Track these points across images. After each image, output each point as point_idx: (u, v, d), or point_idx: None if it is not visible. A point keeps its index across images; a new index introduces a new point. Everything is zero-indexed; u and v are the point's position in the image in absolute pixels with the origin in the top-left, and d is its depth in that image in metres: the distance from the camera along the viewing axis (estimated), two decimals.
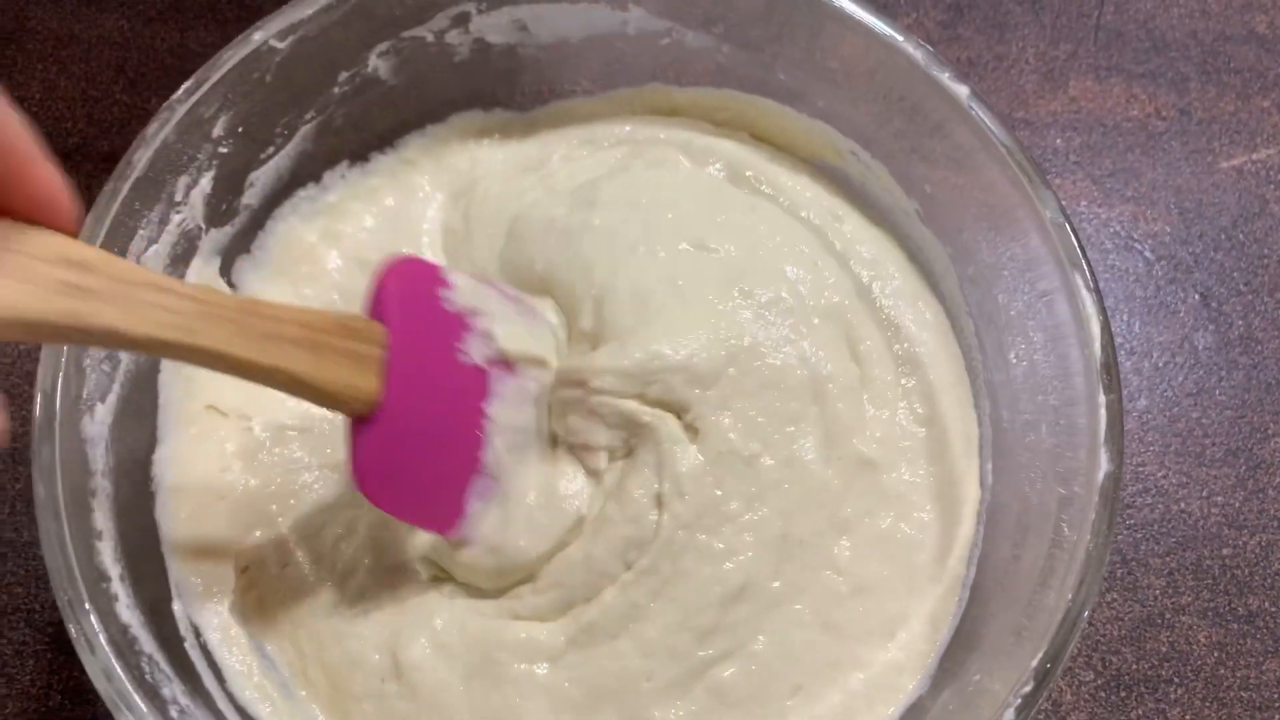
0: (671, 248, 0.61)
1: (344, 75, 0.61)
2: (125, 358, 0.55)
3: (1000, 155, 0.55)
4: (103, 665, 0.46)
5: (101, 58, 0.77)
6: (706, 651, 0.55)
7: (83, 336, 0.39)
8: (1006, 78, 0.80)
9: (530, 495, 0.56)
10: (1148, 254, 0.75)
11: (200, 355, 0.43)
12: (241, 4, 0.79)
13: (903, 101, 0.59)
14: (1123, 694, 0.65)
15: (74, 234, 0.39)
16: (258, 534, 0.58)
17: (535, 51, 0.64)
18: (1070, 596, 0.48)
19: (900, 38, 0.57)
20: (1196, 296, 0.74)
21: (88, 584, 0.47)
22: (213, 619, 0.55)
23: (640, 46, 0.64)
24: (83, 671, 0.62)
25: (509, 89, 0.67)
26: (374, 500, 0.51)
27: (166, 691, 0.48)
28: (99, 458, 0.52)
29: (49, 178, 0.36)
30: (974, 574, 0.58)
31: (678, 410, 0.57)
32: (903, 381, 0.62)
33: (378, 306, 0.52)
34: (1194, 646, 0.66)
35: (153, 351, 0.42)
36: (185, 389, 0.59)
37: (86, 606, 0.46)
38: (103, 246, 0.51)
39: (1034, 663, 0.47)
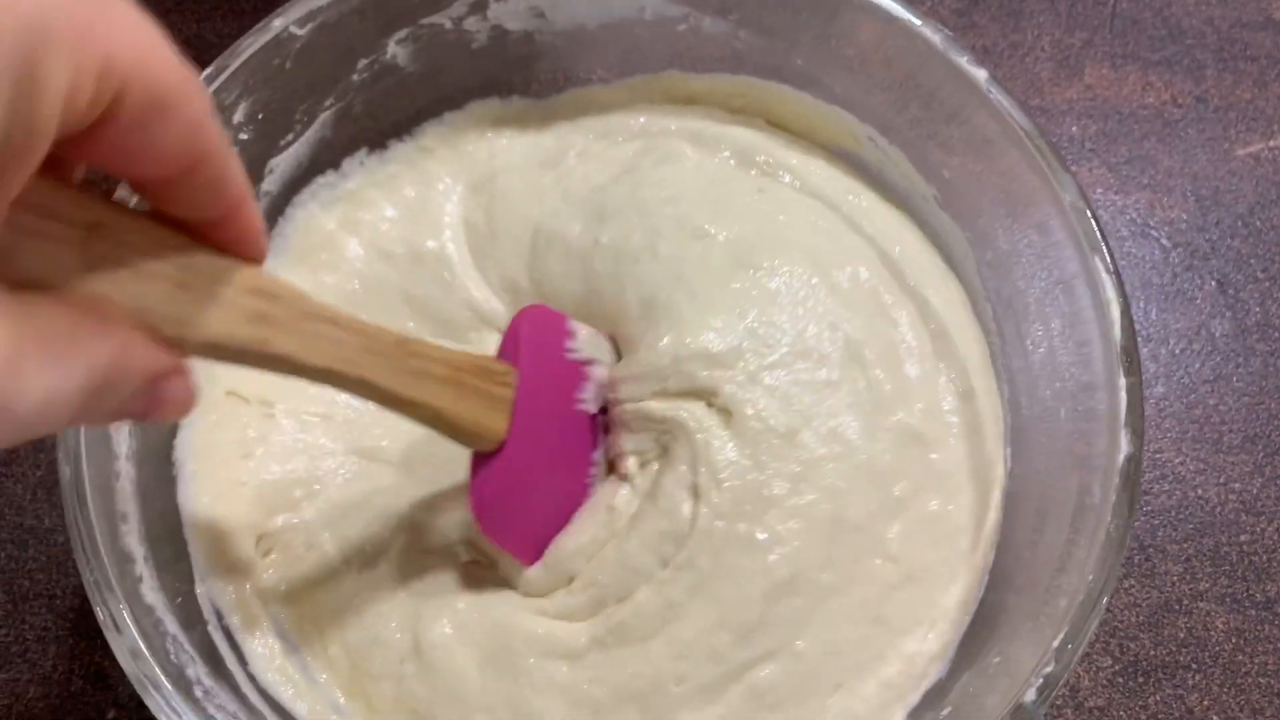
0: (673, 242, 0.60)
1: (363, 62, 0.61)
2: None
3: (1019, 140, 0.55)
4: (129, 645, 0.46)
5: None
6: (747, 653, 0.53)
7: (259, 361, 0.41)
8: (1022, 65, 0.79)
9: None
10: (1164, 241, 0.75)
11: (358, 385, 0.45)
12: None
13: (920, 87, 0.59)
14: (1140, 680, 0.65)
15: (262, 265, 0.41)
16: (281, 518, 0.58)
17: (552, 38, 0.65)
18: (1091, 578, 0.48)
19: (919, 21, 0.57)
20: (1213, 283, 0.74)
21: (113, 566, 0.47)
22: (235, 602, 0.55)
23: (657, 32, 0.64)
24: (104, 656, 0.63)
25: (526, 76, 0.67)
26: (484, 527, 0.53)
27: (191, 672, 0.48)
28: (122, 441, 0.52)
29: (254, 217, 0.39)
30: (993, 558, 0.58)
31: (706, 397, 0.56)
32: (939, 357, 0.60)
33: (511, 350, 0.55)
34: (1212, 633, 0.66)
35: (317, 379, 0.44)
36: (205, 376, 0.58)
37: (113, 587, 0.46)
38: None
39: (1055, 643, 0.47)
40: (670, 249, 0.60)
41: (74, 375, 0.32)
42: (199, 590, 0.54)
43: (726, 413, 0.56)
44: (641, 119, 0.67)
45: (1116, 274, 0.52)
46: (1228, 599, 0.66)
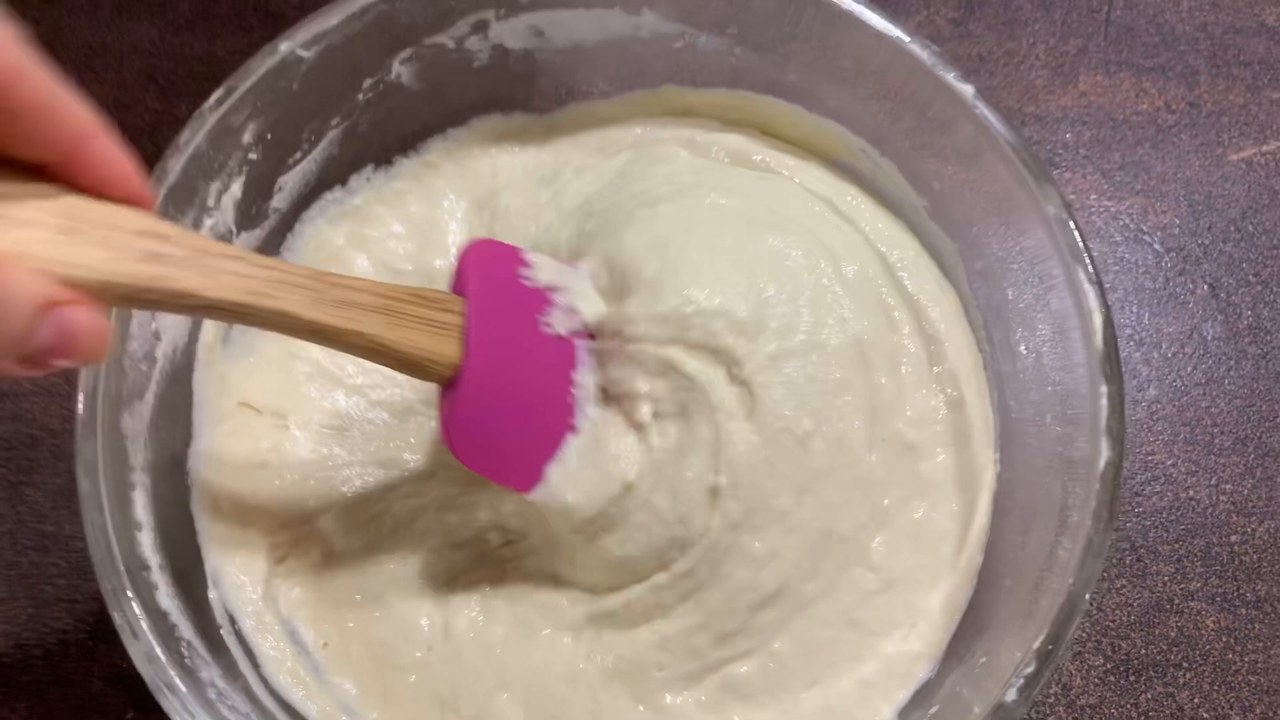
0: (674, 203, 0.60)
1: (368, 82, 0.63)
2: (161, 358, 0.57)
3: (1005, 153, 0.56)
4: (145, 650, 0.48)
5: (133, 66, 0.79)
6: (724, 652, 0.56)
7: (163, 299, 0.42)
8: (1017, 73, 0.81)
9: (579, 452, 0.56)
10: (1157, 246, 0.76)
11: (276, 319, 0.45)
12: (267, 11, 0.81)
13: (910, 101, 0.60)
14: (1132, 678, 0.66)
15: (150, 209, 0.42)
16: (296, 526, 0.60)
17: (552, 56, 0.66)
18: (1071, 580, 0.49)
19: (907, 38, 0.59)
20: (1205, 287, 0.75)
21: (130, 573, 0.49)
22: (247, 607, 0.57)
23: (654, 49, 0.66)
24: (122, 659, 0.64)
25: (527, 92, 0.69)
26: (460, 456, 0.53)
27: (204, 675, 0.50)
28: (138, 453, 0.54)
29: (113, 154, 0.40)
30: (983, 560, 0.59)
31: (726, 361, 0.56)
32: (933, 363, 0.61)
33: (458, 281, 0.55)
34: (1203, 632, 0.67)
35: (229, 316, 0.44)
36: (219, 387, 0.61)
37: (129, 594, 0.48)
38: None
39: (1036, 644, 0.49)
40: (672, 208, 0.60)
41: None
42: (212, 596, 0.56)
43: (748, 393, 0.55)
44: (638, 129, 0.69)
45: (1098, 283, 0.54)
46: (1218, 598, 0.68)
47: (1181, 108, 0.80)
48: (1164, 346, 0.74)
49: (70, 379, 0.52)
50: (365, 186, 0.67)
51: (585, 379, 0.56)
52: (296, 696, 0.56)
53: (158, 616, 0.49)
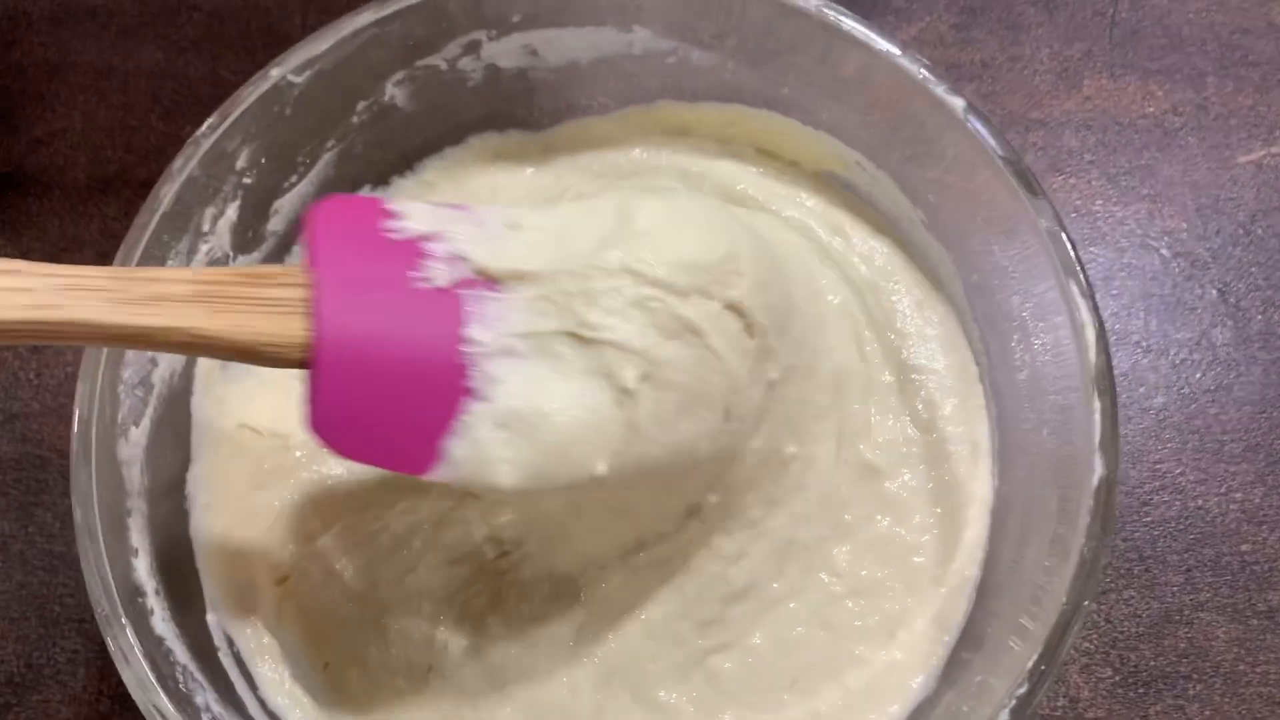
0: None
1: (362, 105, 0.63)
2: (158, 383, 0.57)
3: (996, 166, 0.56)
4: (137, 676, 0.48)
5: (138, 88, 0.80)
6: (705, 641, 0.58)
7: None
8: (1020, 78, 0.80)
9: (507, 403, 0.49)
10: (1164, 251, 0.75)
11: (71, 331, 0.42)
12: (271, 32, 0.81)
13: (904, 114, 0.60)
14: (1141, 690, 0.65)
15: None
16: (296, 547, 0.60)
17: (546, 74, 0.66)
18: (1064, 600, 0.49)
19: (898, 51, 0.58)
20: (1214, 292, 0.74)
21: (124, 600, 0.50)
22: (245, 629, 0.58)
23: (648, 66, 0.66)
24: None
25: (524, 109, 0.69)
26: (333, 447, 0.48)
27: (200, 699, 0.51)
28: (134, 479, 0.54)
29: None
30: (980, 576, 0.59)
31: (737, 309, 0.52)
32: (905, 388, 0.63)
33: (306, 250, 0.49)
34: (1213, 643, 0.66)
35: (23, 338, 0.42)
36: (217, 409, 0.61)
37: (123, 622, 0.49)
38: None
39: (1029, 664, 0.48)
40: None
41: None
42: (210, 619, 0.57)
43: (759, 334, 0.53)
44: (636, 151, 0.69)
45: (1091, 297, 0.53)
46: (1229, 609, 0.67)
47: (1188, 110, 0.79)
48: (1172, 353, 0.73)
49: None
50: None
51: (484, 335, 0.49)
52: (294, 718, 0.56)
53: (152, 642, 0.50)
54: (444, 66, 0.64)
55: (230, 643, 0.57)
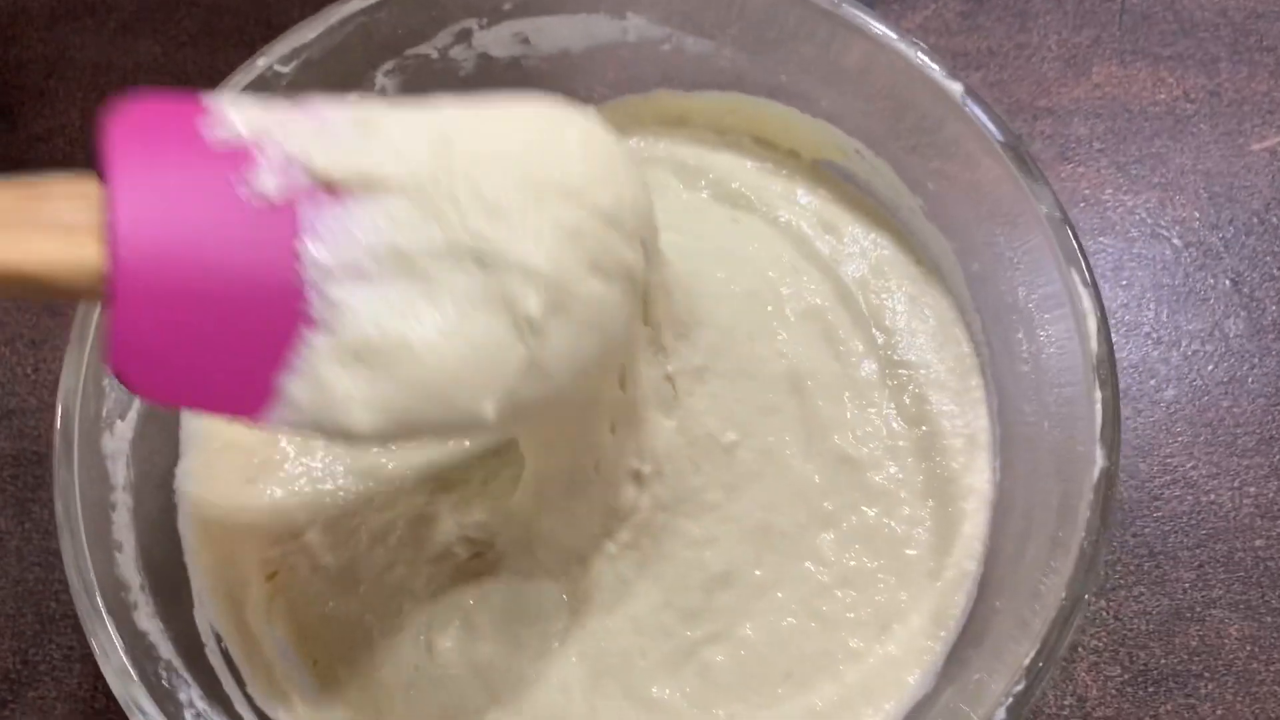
0: None
1: (353, 96, 0.62)
2: None
3: (995, 152, 0.55)
4: (117, 671, 0.48)
5: (137, 83, 0.79)
6: (694, 632, 0.57)
7: None
8: (1028, 66, 0.78)
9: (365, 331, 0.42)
10: (1175, 241, 0.74)
11: None
12: (269, 25, 0.81)
13: (902, 100, 0.59)
14: (1151, 689, 0.64)
15: None
16: (285, 542, 0.60)
17: (539, 63, 0.65)
18: (1063, 595, 0.47)
19: (895, 36, 0.57)
20: (1227, 282, 0.72)
21: (105, 595, 0.49)
22: (235, 625, 0.57)
23: (642, 54, 0.65)
24: None
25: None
26: (140, 390, 0.41)
27: (183, 696, 0.50)
28: (119, 473, 0.54)
29: None
30: (981, 571, 0.58)
31: (656, 343, 0.56)
32: (890, 382, 0.62)
33: (99, 162, 0.41)
34: (1225, 640, 0.64)
35: None
36: None
37: (104, 618, 0.48)
38: None
39: (1026, 661, 0.47)
40: None
41: None
42: (198, 615, 0.56)
43: (671, 391, 0.57)
44: (633, 141, 0.68)
45: (1094, 286, 0.52)
46: (1242, 606, 0.65)
47: (1201, 97, 0.77)
48: (1184, 344, 0.71)
49: None
50: None
51: (323, 253, 0.41)
52: (282, 717, 0.56)
53: (134, 637, 0.49)
54: (435, 56, 0.63)
55: (218, 638, 0.57)
